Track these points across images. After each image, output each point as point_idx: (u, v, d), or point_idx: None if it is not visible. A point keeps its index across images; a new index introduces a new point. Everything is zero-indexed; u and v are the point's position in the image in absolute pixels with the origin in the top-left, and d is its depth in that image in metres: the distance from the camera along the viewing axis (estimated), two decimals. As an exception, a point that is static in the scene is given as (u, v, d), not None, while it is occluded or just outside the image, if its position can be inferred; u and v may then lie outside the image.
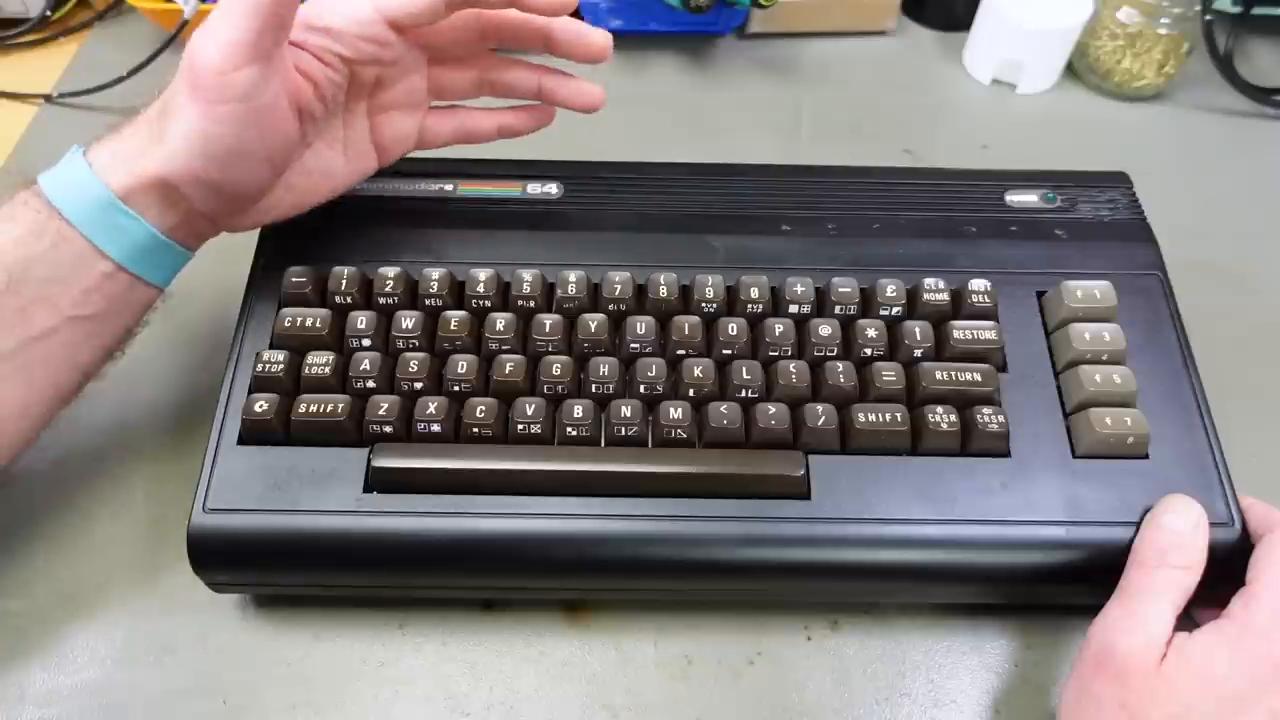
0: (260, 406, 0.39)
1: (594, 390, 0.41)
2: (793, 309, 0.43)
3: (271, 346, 0.41)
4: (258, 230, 0.45)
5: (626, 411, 0.40)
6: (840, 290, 0.43)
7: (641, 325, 0.42)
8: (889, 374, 0.40)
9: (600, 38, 0.41)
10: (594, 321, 0.42)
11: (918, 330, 0.42)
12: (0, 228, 0.36)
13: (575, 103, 0.43)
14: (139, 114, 0.38)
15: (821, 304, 0.43)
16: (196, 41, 0.35)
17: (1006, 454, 0.40)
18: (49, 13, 0.66)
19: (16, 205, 0.37)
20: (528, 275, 0.43)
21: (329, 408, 0.39)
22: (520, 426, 0.39)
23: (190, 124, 0.36)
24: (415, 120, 0.43)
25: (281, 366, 0.40)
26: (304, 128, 0.38)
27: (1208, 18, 0.60)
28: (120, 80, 0.60)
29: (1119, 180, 0.49)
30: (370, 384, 0.40)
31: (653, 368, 0.41)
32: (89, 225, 0.36)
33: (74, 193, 0.36)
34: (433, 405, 0.39)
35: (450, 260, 0.44)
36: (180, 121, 0.36)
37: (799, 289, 0.43)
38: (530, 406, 0.39)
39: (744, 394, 0.40)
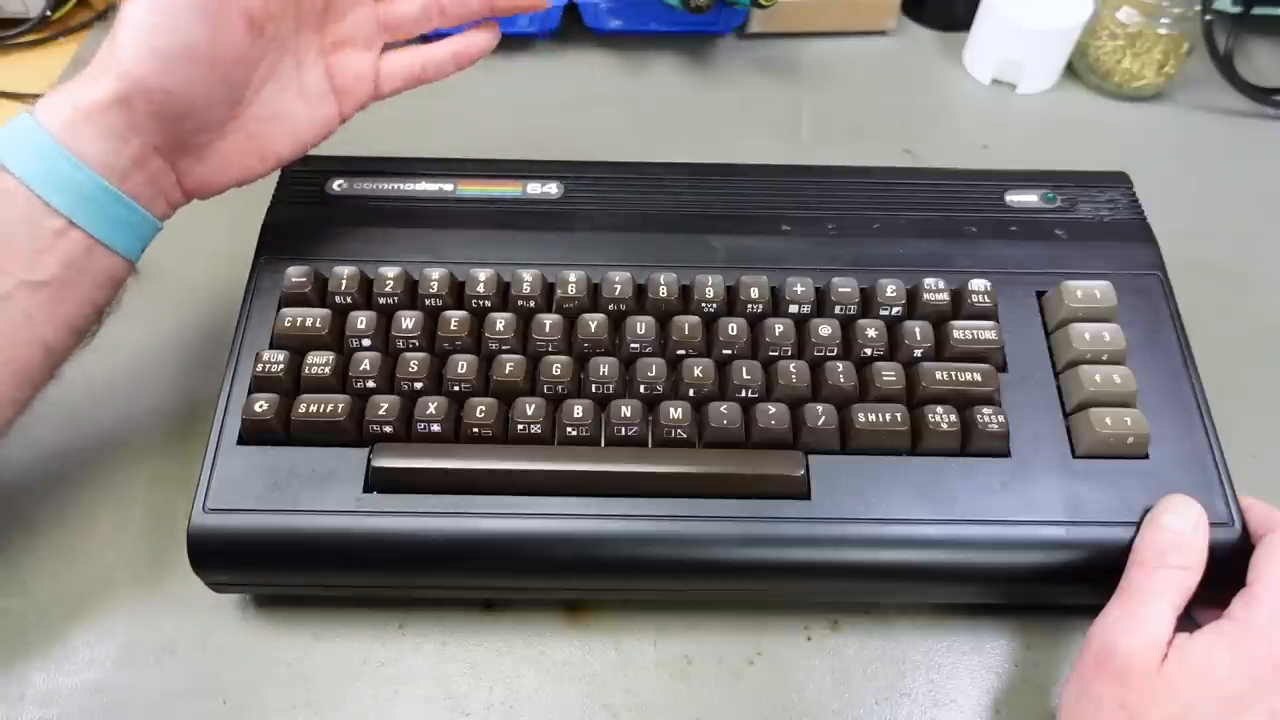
0: (260, 406, 0.39)
1: (594, 390, 0.41)
2: (793, 309, 0.43)
3: (271, 346, 0.41)
4: (258, 230, 0.45)
5: (626, 411, 0.40)
6: (840, 290, 0.43)
7: (641, 325, 0.42)
8: (889, 374, 0.41)
9: None
10: (594, 321, 0.42)
11: (918, 330, 0.42)
12: None
13: (526, 2, 0.44)
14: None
15: (821, 304, 0.43)
16: None
17: (1006, 454, 0.40)
18: (49, 13, 0.66)
19: None
20: (528, 275, 0.43)
21: (329, 408, 0.39)
22: (520, 426, 0.39)
23: (136, 18, 0.35)
24: (369, 59, 0.42)
25: (281, 366, 0.40)
26: (254, 38, 0.37)
27: (1208, 18, 0.60)
28: (120, 80, 0.60)
29: (1119, 180, 0.49)
30: (370, 384, 0.40)
31: (653, 368, 0.41)
32: (33, 175, 0.35)
33: (17, 143, 0.35)
34: (433, 405, 0.39)
35: (450, 260, 0.44)
36: (126, 25, 0.35)
37: (799, 289, 0.43)
38: (530, 406, 0.39)
39: (744, 394, 0.40)
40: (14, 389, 0.37)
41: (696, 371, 0.41)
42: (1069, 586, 0.39)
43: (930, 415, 0.39)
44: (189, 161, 0.39)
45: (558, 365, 0.41)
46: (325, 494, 0.38)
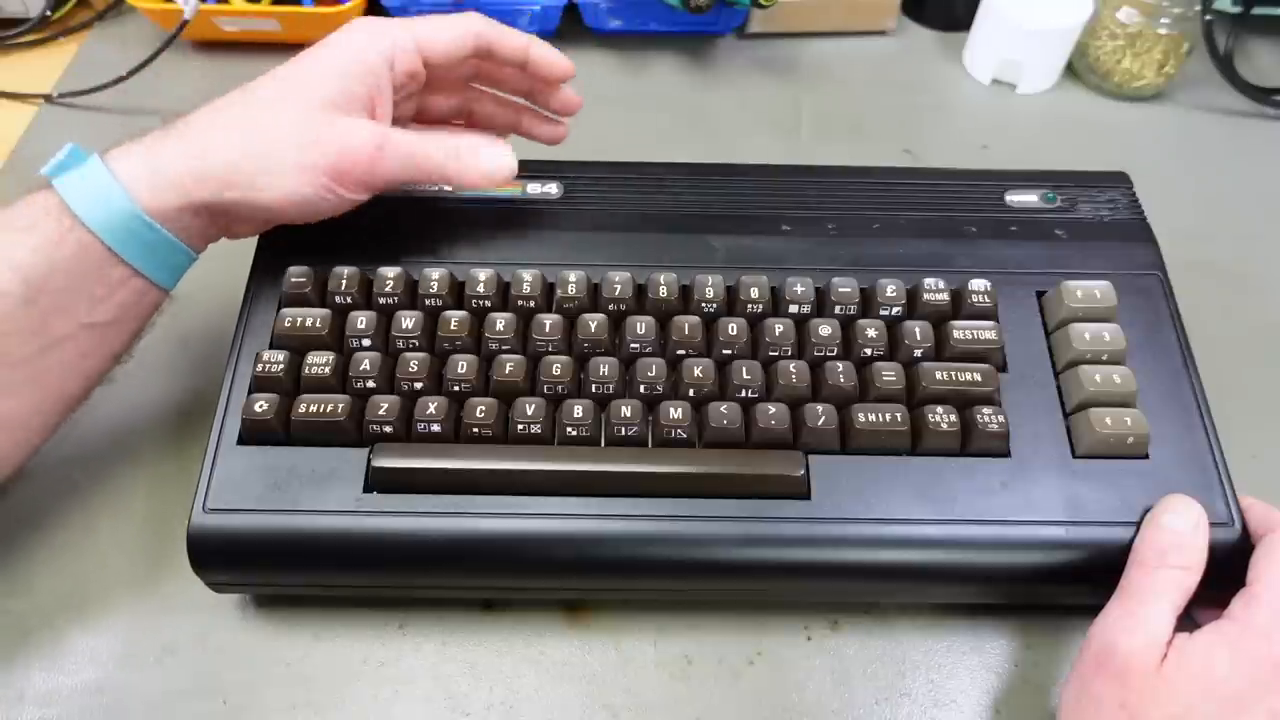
0: (260, 406, 0.39)
1: (594, 390, 0.41)
2: (793, 309, 0.43)
3: (271, 346, 0.41)
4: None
5: (626, 411, 0.40)
6: (840, 290, 0.43)
7: (641, 325, 0.42)
8: (889, 374, 0.40)
9: (568, 66, 0.45)
10: (594, 321, 0.42)
11: (918, 330, 0.42)
12: (18, 237, 0.36)
13: (546, 138, 0.48)
14: (172, 124, 0.39)
15: (821, 304, 0.43)
16: (363, 159, 0.39)
17: (1006, 454, 0.40)
18: (49, 13, 0.66)
19: (35, 212, 0.36)
20: (528, 275, 0.43)
21: (329, 408, 0.39)
22: (520, 426, 0.39)
23: (300, 188, 0.38)
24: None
25: (281, 366, 0.40)
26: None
27: (1208, 18, 0.60)
28: (120, 80, 0.60)
29: (1119, 180, 0.49)
30: (370, 384, 0.40)
31: (653, 368, 0.41)
32: (113, 236, 0.37)
33: (100, 205, 0.36)
34: (433, 405, 0.39)
35: (450, 260, 0.44)
36: (283, 177, 0.38)
37: (799, 289, 0.43)
38: (530, 406, 0.39)
39: (744, 394, 0.40)
40: (58, 418, 0.39)
41: (696, 371, 0.41)
42: (1069, 586, 0.39)
43: (930, 415, 0.39)
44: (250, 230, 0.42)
45: (558, 365, 0.41)
46: (325, 494, 0.38)
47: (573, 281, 0.43)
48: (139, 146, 0.38)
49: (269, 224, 0.41)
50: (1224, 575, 0.36)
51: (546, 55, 0.44)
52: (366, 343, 0.42)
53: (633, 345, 0.42)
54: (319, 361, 0.40)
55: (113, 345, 0.39)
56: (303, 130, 0.38)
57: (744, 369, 0.41)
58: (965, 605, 0.42)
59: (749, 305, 0.43)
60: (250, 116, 0.39)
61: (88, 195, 0.36)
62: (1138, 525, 0.38)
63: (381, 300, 0.42)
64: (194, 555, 0.38)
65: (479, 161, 0.42)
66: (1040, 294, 0.44)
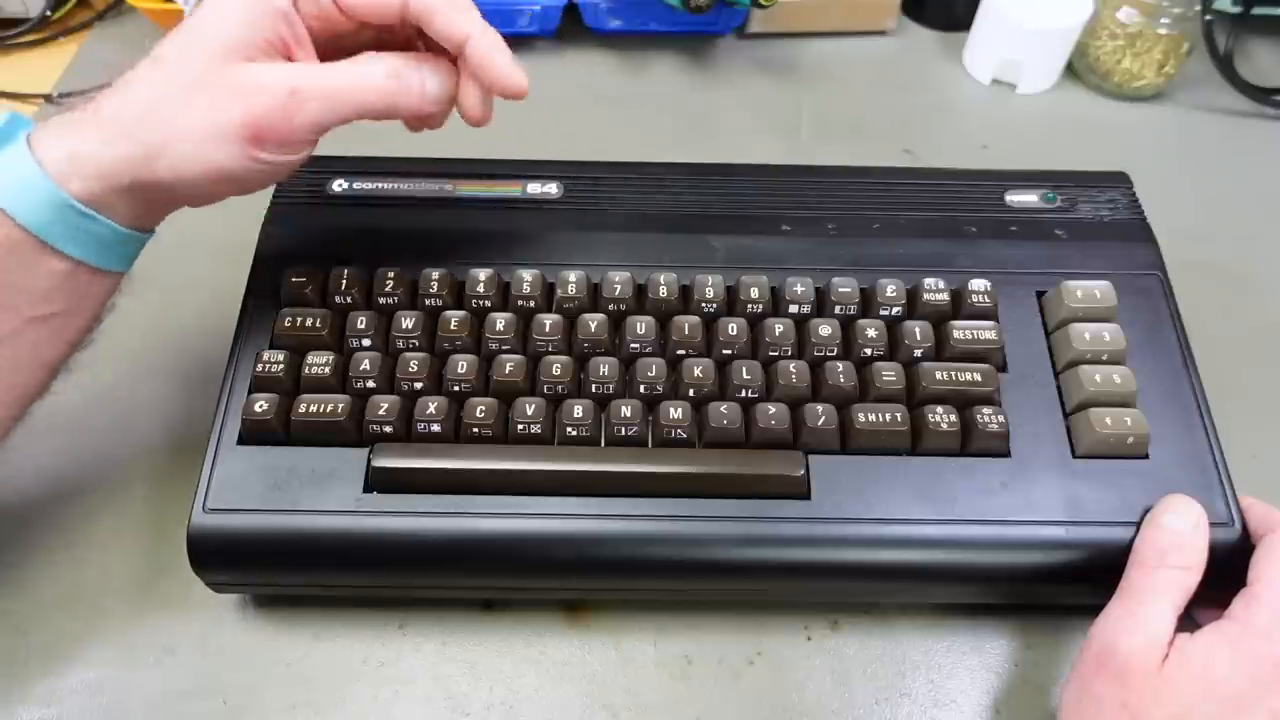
0: (260, 406, 0.39)
1: (594, 390, 0.41)
2: (793, 309, 0.43)
3: (271, 346, 0.41)
4: (258, 230, 0.45)
5: (626, 411, 0.40)
6: (840, 290, 0.43)
7: (641, 325, 0.42)
8: (889, 374, 0.40)
9: (519, 83, 0.37)
10: (594, 321, 0.42)
11: (918, 330, 0.42)
12: None
13: (472, 117, 0.39)
14: (88, 103, 0.36)
15: (821, 304, 0.43)
16: (276, 107, 0.34)
17: (1006, 454, 0.40)
18: (49, 13, 0.66)
19: None
20: (528, 275, 0.43)
21: (329, 408, 0.39)
22: (520, 426, 0.39)
23: (217, 158, 0.34)
24: None
25: (281, 366, 0.40)
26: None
27: (1208, 18, 0.60)
28: (120, 80, 0.60)
29: (1119, 180, 0.49)
30: (370, 384, 0.40)
31: (653, 368, 0.41)
32: (46, 230, 0.34)
33: (26, 196, 0.34)
34: (433, 405, 0.39)
35: (450, 260, 0.44)
36: (197, 145, 0.34)
37: (799, 289, 0.43)
38: (530, 406, 0.39)
39: (744, 394, 0.40)
40: (17, 410, 0.38)
41: (696, 371, 0.41)
42: (1069, 586, 0.39)
43: (930, 415, 0.39)
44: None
45: (558, 365, 0.41)
46: (325, 494, 0.38)
47: (573, 281, 0.43)
48: (59, 129, 0.35)
49: (211, 199, 0.37)
50: (1224, 575, 0.36)
51: (492, 63, 0.36)
52: (366, 343, 0.41)
53: (633, 345, 0.42)
54: (319, 361, 0.40)
55: (67, 335, 0.37)
56: (206, 88, 0.34)
57: (744, 369, 0.41)
58: (965, 605, 0.42)
59: (749, 305, 0.43)
60: (154, 83, 0.35)
61: (12, 186, 0.34)
62: (1138, 525, 0.38)
63: (381, 300, 0.42)
64: (194, 555, 0.38)
65: (424, 80, 0.36)
66: (1040, 294, 0.44)
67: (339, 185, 0.47)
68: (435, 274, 0.43)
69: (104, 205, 0.35)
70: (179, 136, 0.34)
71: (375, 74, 0.35)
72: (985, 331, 0.42)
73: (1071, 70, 0.66)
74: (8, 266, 0.34)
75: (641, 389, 0.41)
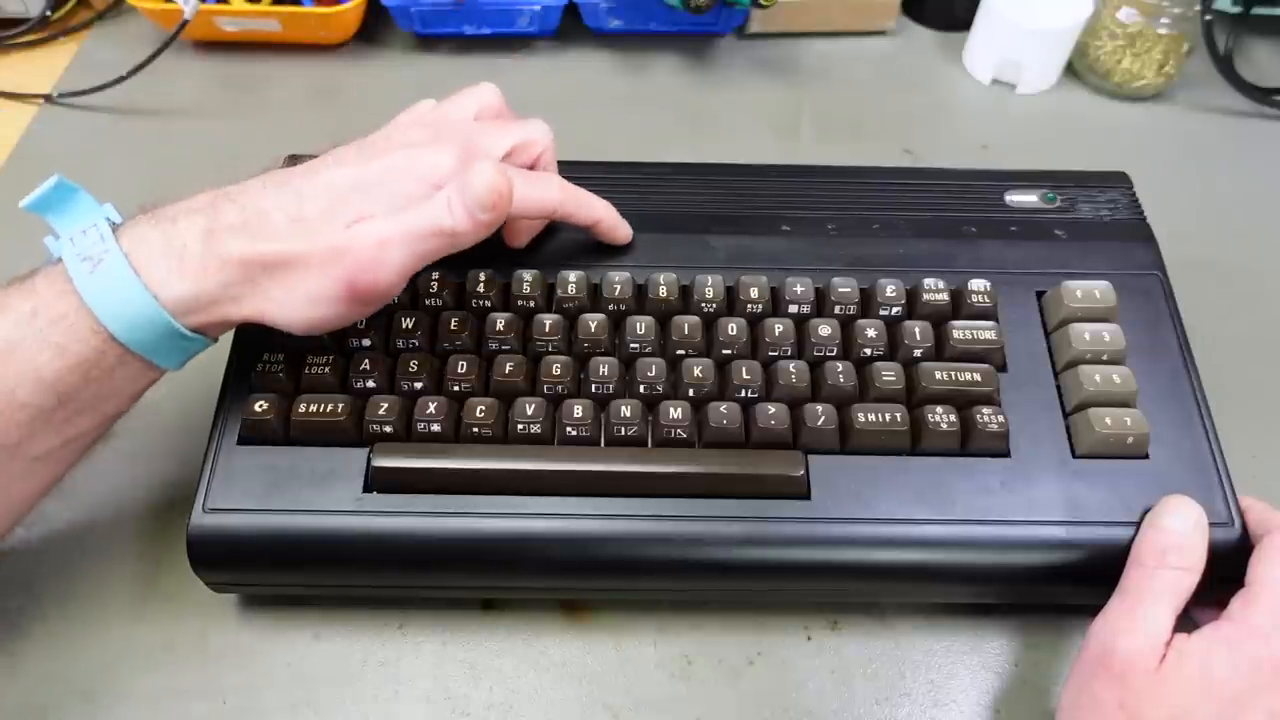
0: (260, 406, 0.39)
1: (594, 390, 0.41)
2: (792, 309, 0.43)
3: (271, 346, 0.41)
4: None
5: (626, 411, 0.40)
6: (840, 290, 0.43)
7: (641, 325, 0.42)
8: (889, 374, 0.41)
9: (627, 233, 0.45)
10: (594, 321, 0.42)
11: (917, 330, 0.42)
12: (46, 356, 0.34)
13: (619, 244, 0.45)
14: (194, 211, 0.36)
15: (821, 304, 0.43)
16: (371, 265, 0.35)
17: (1006, 454, 0.40)
18: (49, 13, 0.66)
19: (61, 327, 0.34)
20: (528, 275, 0.43)
21: (329, 408, 0.39)
22: (520, 426, 0.39)
23: (320, 314, 0.36)
24: None
25: (281, 366, 0.40)
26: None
27: (1208, 18, 0.60)
28: (120, 80, 0.60)
29: (1119, 180, 0.49)
30: (370, 384, 0.40)
31: (653, 368, 0.41)
32: (153, 352, 0.36)
33: (142, 329, 0.35)
34: (433, 405, 0.39)
35: (451, 260, 0.44)
36: (298, 293, 0.35)
37: (799, 289, 0.43)
38: (530, 406, 0.39)
39: (744, 394, 0.40)
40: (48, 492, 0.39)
41: (696, 371, 0.41)
42: (1069, 586, 0.39)
43: (930, 415, 0.39)
44: None
45: (558, 365, 0.41)
46: (325, 494, 0.38)
47: (572, 281, 0.43)
48: (176, 262, 0.35)
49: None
50: (1224, 575, 0.36)
51: (614, 235, 0.44)
52: (366, 343, 0.42)
53: (633, 345, 0.42)
54: (319, 361, 0.40)
55: (116, 416, 0.38)
56: (322, 259, 0.36)
57: (744, 369, 0.41)
58: (965, 605, 0.42)
59: (749, 305, 0.43)
60: (288, 241, 0.36)
61: (128, 318, 0.34)
62: (1138, 525, 0.38)
63: (381, 300, 0.42)
64: (194, 555, 0.38)
65: (474, 188, 0.36)
66: (1040, 294, 0.44)
67: (339, 185, 0.47)
68: (435, 274, 0.43)
69: (205, 330, 0.36)
70: (291, 302, 0.36)
71: (439, 200, 0.37)
72: (985, 331, 0.42)
73: (1071, 70, 0.66)
74: (107, 380, 0.35)
75: (641, 389, 0.41)
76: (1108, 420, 0.39)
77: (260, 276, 0.35)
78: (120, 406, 0.38)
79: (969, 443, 0.39)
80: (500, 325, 0.42)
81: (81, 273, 0.34)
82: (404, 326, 0.41)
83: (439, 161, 0.37)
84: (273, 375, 0.40)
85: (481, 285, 0.43)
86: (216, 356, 0.42)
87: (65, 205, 0.36)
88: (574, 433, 0.39)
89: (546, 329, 0.42)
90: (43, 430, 0.35)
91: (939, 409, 0.40)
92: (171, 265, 0.35)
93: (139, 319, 0.34)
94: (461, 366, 0.41)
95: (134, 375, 0.36)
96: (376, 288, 0.36)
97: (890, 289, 0.43)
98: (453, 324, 0.42)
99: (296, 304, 0.36)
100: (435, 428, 0.39)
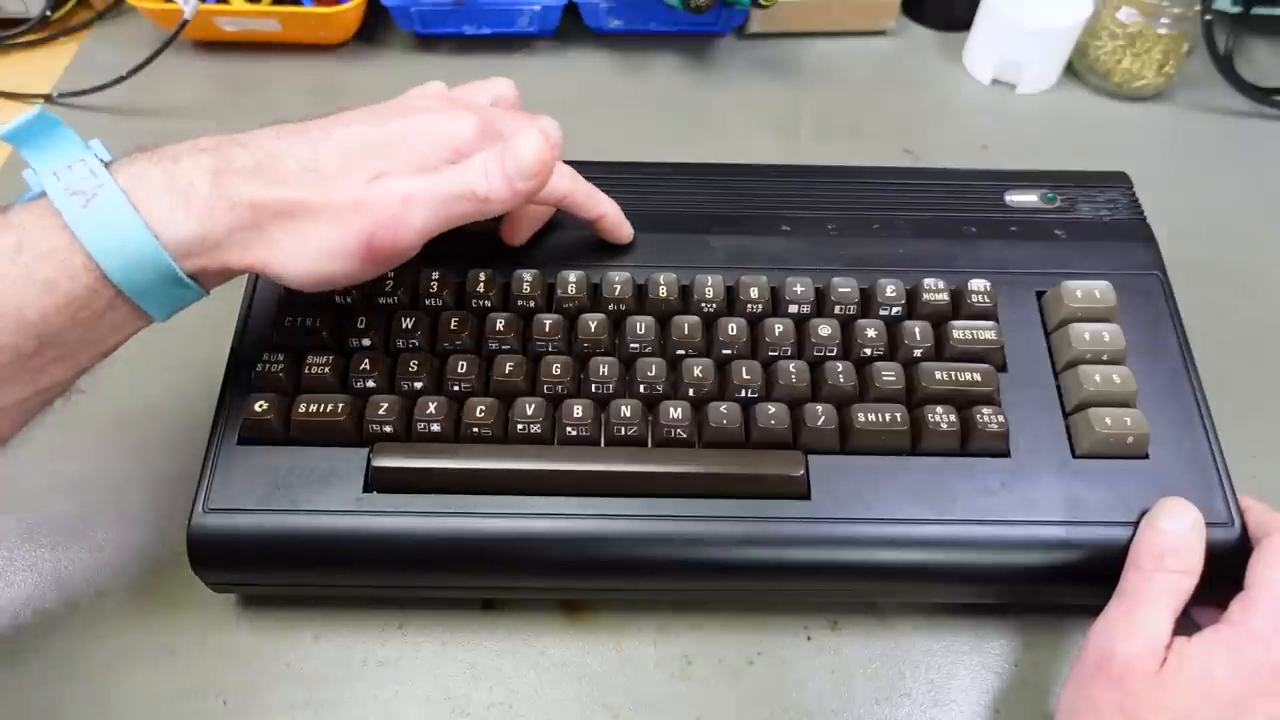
0: (260, 406, 0.39)
1: (594, 390, 0.41)
2: (792, 309, 0.43)
3: (271, 347, 0.41)
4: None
5: (626, 411, 0.40)
6: (840, 290, 0.43)
7: (641, 325, 0.42)
8: (889, 374, 0.41)
9: (629, 233, 0.45)
10: (594, 321, 0.42)
11: (917, 330, 0.42)
12: (33, 292, 0.31)
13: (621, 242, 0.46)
14: (200, 151, 0.34)
15: (821, 304, 0.43)
16: (392, 222, 0.34)
17: (1006, 454, 0.40)
18: (49, 13, 0.66)
19: (51, 262, 0.31)
20: (528, 275, 0.43)
21: (329, 408, 0.39)
22: (520, 426, 0.39)
23: (329, 268, 0.35)
24: None
25: (281, 366, 0.40)
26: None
27: (1208, 18, 0.60)
28: (120, 80, 0.60)
29: (1119, 180, 0.49)
30: (370, 384, 0.40)
31: (653, 368, 0.41)
32: (143, 294, 0.33)
33: (138, 270, 0.32)
34: (433, 405, 0.39)
35: (450, 260, 0.44)
36: (309, 244, 0.34)
37: (799, 289, 0.43)
38: (530, 406, 0.39)
39: (744, 394, 0.40)
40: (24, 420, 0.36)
41: (696, 371, 0.41)
42: (1069, 586, 0.39)
43: (930, 415, 0.39)
44: None
45: (558, 365, 0.41)
46: (325, 494, 0.38)
47: (573, 281, 0.43)
48: (182, 200, 0.33)
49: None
50: (1223, 575, 0.36)
51: (619, 233, 0.44)
52: (366, 342, 0.42)
53: (633, 345, 0.42)
54: (319, 361, 0.40)
55: (84, 370, 0.36)
56: (341, 208, 0.34)
57: (744, 369, 0.41)
58: (965, 605, 0.42)
59: (749, 305, 0.43)
60: (302, 188, 0.34)
61: (125, 255, 0.32)
62: (1137, 525, 0.38)
63: (381, 300, 0.42)
64: (194, 555, 0.38)
65: (521, 155, 0.35)
66: (1040, 294, 0.44)
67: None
68: (435, 274, 0.43)
69: (201, 278, 0.35)
70: (300, 253, 0.34)
71: (475, 166, 0.36)
72: (985, 331, 0.42)
73: (1071, 70, 0.66)
74: (94, 324, 0.33)
75: (641, 389, 0.41)
76: (1108, 420, 0.39)
77: (270, 223, 0.34)
78: (94, 356, 0.35)
79: (969, 443, 0.39)
80: (500, 325, 0.42)
81: (72, 207, 0.31)
82: (404, 326, 0.41)
83: (459, 129, 0.36)
84: (273, 375, 0.40)
85: (481, 285, 0.43)
86: (217, 356, 0.42)
87: (46, 138, 0.33)
88: (574, 433, 0.39)
89: (546, 329, 0.42)
90: (16, 377, 0.33)
91: (939, 409, 0.40)
92: (176, 204, 0.33)
93: (137, 257, 0.32)
94: (461, 366, 0.41)
95: (119, 323, 0.34)
96: (395, 246, 0.35)
97: (890, 289, 0.43)
98: (453, 324, 0.42)
99: (305, 256, 0.34)
100: (435, 428, 0.39)
